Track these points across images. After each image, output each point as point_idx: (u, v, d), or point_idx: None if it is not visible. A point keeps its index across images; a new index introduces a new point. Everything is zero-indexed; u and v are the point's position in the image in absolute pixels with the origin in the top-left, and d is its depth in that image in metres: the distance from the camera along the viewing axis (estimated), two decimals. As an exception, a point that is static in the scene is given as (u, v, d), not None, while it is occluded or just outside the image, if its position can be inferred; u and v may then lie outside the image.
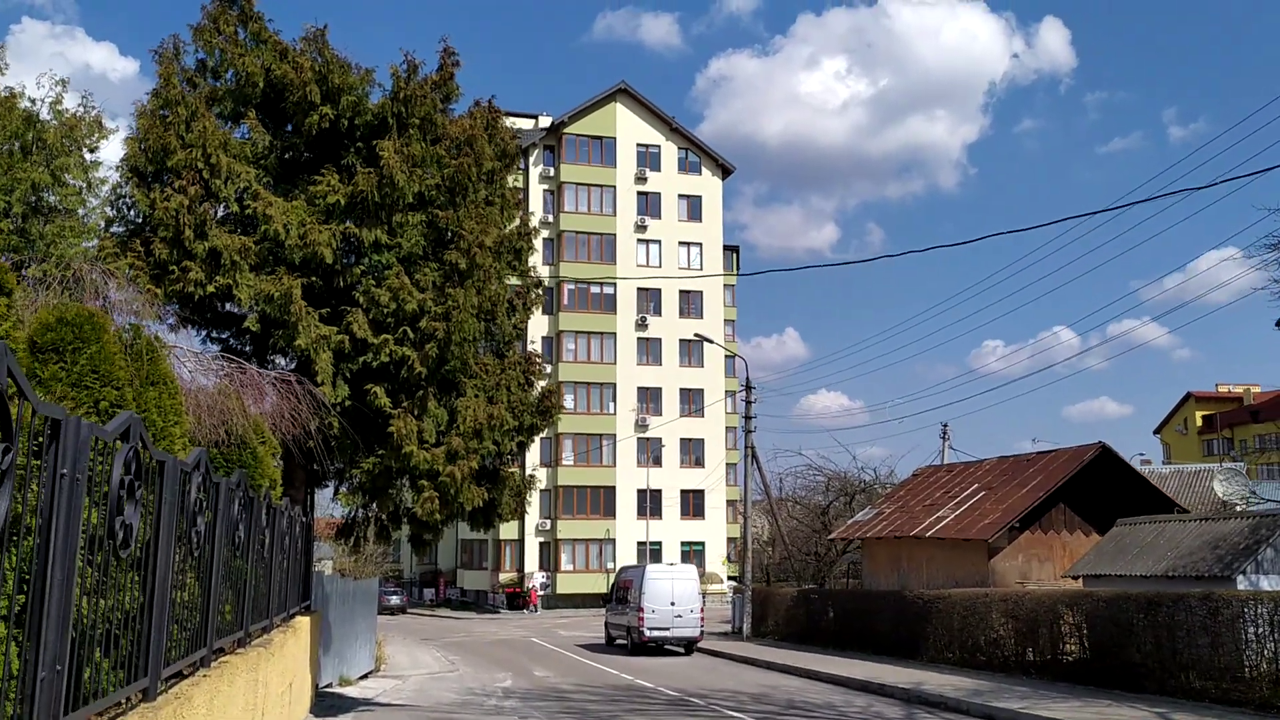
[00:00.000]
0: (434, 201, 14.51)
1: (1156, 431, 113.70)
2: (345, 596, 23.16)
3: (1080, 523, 25.09)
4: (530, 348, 16.55)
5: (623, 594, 33.13)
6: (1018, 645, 22.58)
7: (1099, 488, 25.22)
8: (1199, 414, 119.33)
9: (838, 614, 30.00)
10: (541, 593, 60.07)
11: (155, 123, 13.60)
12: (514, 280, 16.09)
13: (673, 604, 30.69)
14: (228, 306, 14.62)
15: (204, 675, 6.97)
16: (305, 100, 13.75)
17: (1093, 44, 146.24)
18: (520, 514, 16.49)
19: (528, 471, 17.97)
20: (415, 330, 13.84)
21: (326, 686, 20.66)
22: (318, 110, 13.65)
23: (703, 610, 31.95)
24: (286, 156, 14.87)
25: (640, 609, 30.71)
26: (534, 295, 16.47)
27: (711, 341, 37.46)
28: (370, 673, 24.83)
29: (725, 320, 69.28)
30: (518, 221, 15.54)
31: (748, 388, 36.74)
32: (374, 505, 15.50)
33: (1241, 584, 18.11)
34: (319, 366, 13.29)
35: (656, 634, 30.65)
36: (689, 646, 31.40)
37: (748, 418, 36.68)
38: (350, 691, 20.85)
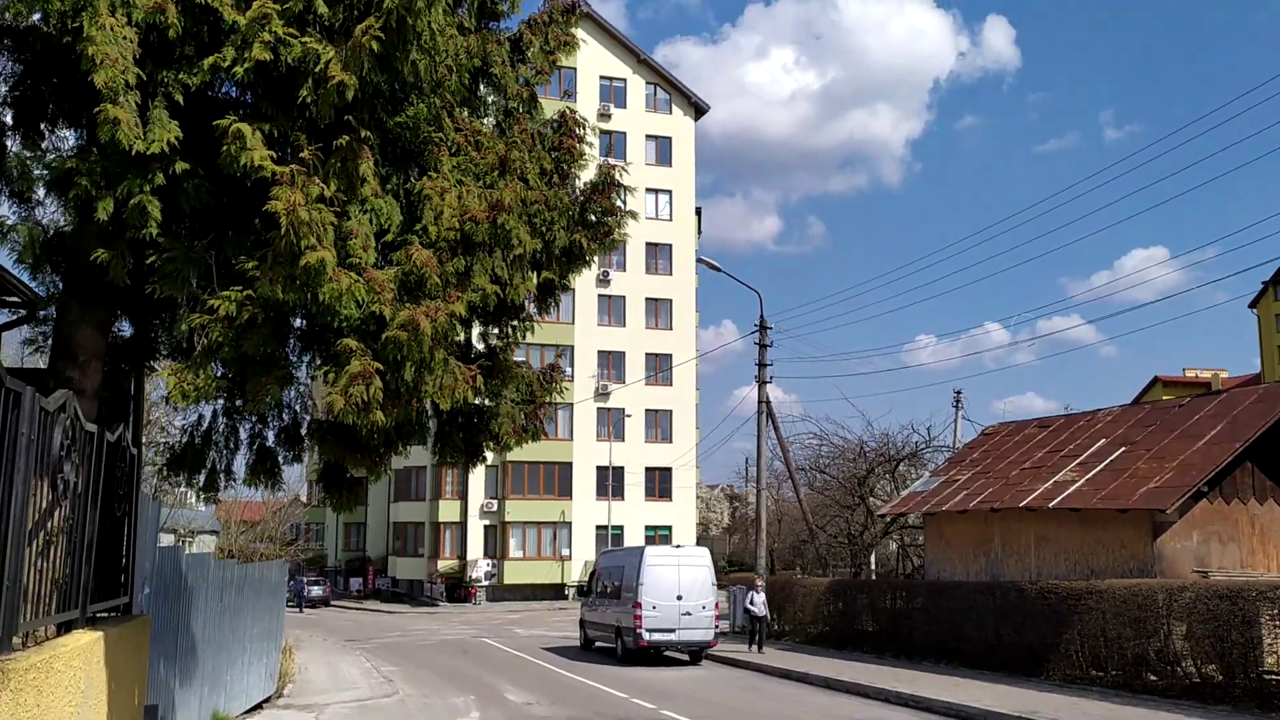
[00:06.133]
0: None
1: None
2: (227, 588, 15.29)
3: (1273, 488, 18.15)
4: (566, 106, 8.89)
5: (608, 585, 25.75)
6: (1197, 661, 15.83)
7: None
8: (1165, 399, 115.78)
9: (894, 612, 22.89)
10: (485, 583, 52.16)
11: None
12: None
13: (679, 598, 23.43)
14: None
15: None
16: None
17: (1036, 44, 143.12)
18: (533, 434, 8.83)
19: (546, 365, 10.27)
20: (332, -1, 6.21)
21: (186, 734, 12.85)
22: None
23: (718, 606, 24.63)
24: None
25: (637, 604, 23.37)
26: (558, 30, 8.92)
27: (717, 268, 29.96)
28: (267, 700, 17.00)
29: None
30: None
31: (761, 328, 29.39)
32: (241, 397, 7.72)
33: None
34: (96, 51, 5.56)
35: (658, 637, 23.33)
36: (697, 654, 24.11)
37: (761, 365, 29.34)
38: (225, 741, 13.06)
